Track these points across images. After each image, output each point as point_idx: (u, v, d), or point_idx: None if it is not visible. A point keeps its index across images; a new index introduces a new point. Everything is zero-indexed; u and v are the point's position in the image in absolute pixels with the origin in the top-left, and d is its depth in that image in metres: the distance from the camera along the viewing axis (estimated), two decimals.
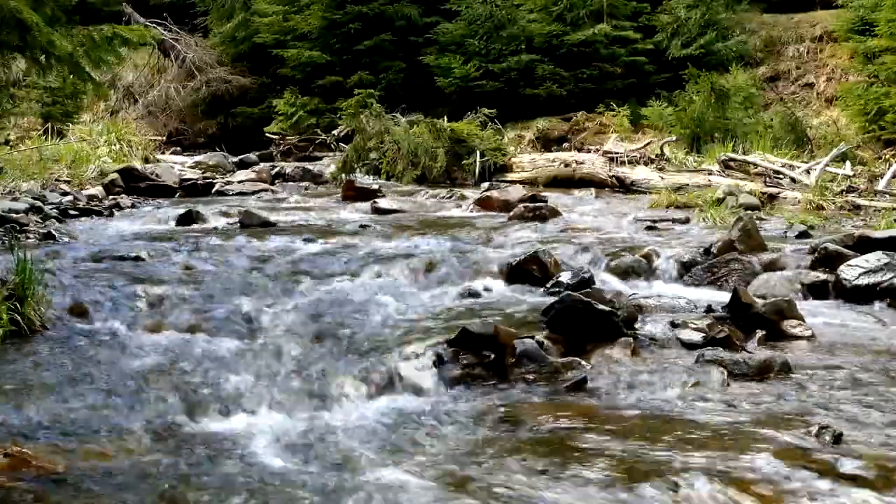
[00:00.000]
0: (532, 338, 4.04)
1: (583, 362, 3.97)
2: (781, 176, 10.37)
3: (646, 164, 12.13)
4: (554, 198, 9.60)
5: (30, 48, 5.67)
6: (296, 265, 5.96)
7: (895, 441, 3.10)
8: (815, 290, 5.37)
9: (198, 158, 14.42)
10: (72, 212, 8.45)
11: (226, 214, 8.49)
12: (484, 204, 9.24)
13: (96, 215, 8.53)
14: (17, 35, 5.44)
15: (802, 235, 7.10)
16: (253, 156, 15.40)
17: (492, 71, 16.21)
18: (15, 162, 10.14)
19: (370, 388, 3.72)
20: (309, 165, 13.78)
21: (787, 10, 17.15)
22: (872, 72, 12.85)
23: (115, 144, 12.71)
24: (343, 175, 11.71)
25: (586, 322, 4.19)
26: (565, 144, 15.17)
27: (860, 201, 8.94)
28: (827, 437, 3.08)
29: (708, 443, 3.09)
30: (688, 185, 10.28)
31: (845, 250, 5.69)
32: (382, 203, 9.28)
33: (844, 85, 14.09)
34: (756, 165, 10.76)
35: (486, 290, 5.39)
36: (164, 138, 17.43)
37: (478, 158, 11.81)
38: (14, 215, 7.41)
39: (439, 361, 3.89)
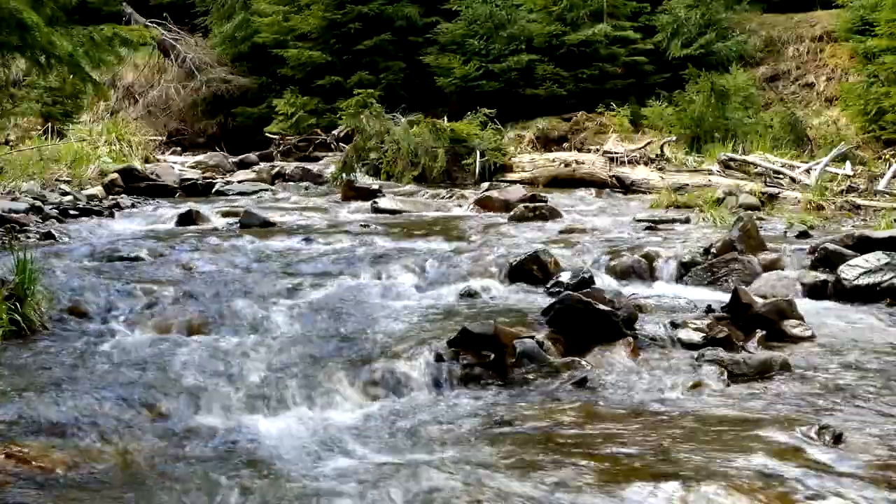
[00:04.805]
0: (532, 338, 4.05)
1: (583, 362, 3.97)
2: (781, 176, 10.36)
3: (646, 164, 12.10)
4: (554, 198, 9.61)
5: (30, 48, 5.67)
6: (296, 265, 5.96)
7: (895, 441, 3.11)
8: (815, 290, 5.38)
9: (198, 158, 14.41)
10: (72, 212, 8.43)
11: (226, 214, 8.48)
12: (484, 204, 9.24)
13: (96, 215, 8.51)
14: (17, 35, 5.44)
15: (802, 235, 7.10)
16: (253, 156, 15.37)
17: (492, 71, 16.20)
18: (15, 162, 10.12)
19: (370, 387, 3.73)
20: (309, 165, 13.77)
21: (787, 10, 17.16)
22: (872, 72, 12.85)
23: (115, 144, 12.68)
24: (343, 175, 11.70)
25: (586, 322, 4.19)
26: (565, 144, 15.14)
27: (860, 201, 8.93)
28: (827, 437, 3.08)
29: (708, 442, 3.09)
30: (688, 185, 10.28)
31: (845, 250, 5.70)
32: (382, 203, 9.28)
33: (844, 85, 14.09)
34: (756, 165, 10.75)
35: (486, 290, 5.39)
36: (164, 138, 17.39)
37: (478, 158, 11.81)
38: (14, 215, 7.40)
39: (439, 361, 3.89)
